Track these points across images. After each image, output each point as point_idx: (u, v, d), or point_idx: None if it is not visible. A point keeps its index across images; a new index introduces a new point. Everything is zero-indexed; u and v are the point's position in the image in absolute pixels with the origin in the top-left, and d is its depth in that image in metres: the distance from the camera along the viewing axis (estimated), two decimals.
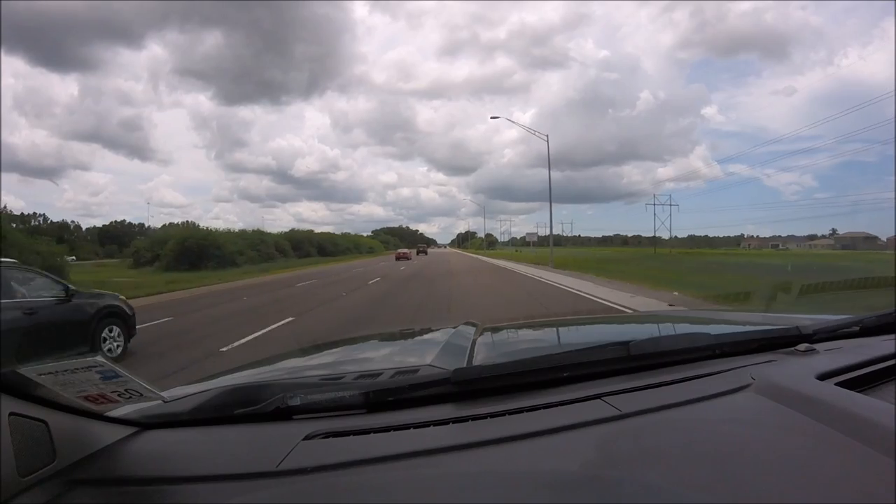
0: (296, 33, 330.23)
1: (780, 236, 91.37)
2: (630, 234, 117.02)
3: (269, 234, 42.90)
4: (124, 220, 41.79)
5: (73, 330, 5.23)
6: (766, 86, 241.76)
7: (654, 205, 74.58)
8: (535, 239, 58.44)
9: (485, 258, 42.32)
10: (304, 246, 38.61)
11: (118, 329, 5.70)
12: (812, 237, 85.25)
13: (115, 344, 5.63)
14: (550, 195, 26.52)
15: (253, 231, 41.74)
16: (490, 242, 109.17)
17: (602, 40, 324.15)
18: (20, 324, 4.59)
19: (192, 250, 29.22)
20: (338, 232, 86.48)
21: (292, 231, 50.96)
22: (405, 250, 50.39)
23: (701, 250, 66.39)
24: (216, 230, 35.94)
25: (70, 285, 5.58)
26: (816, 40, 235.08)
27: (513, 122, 29.54)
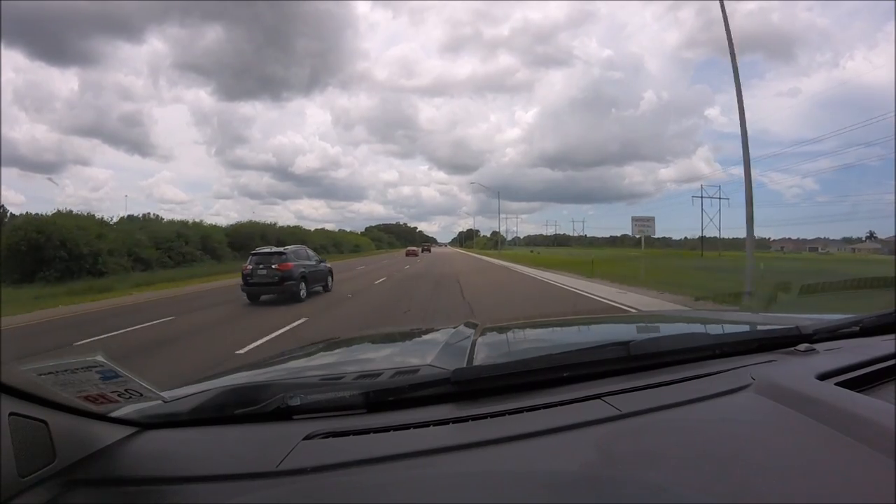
0: (297, 28, 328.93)
1: (819, 239, 79.66)
2: (640, 235, 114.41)
3: (202, 225, 30.61)
4: (71, 211, 22.75)
5: (323, 276, 12.44)
6: (769, 88, 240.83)
7: (702, 197, 57.15)
8: (652, 231, 20.34)
9: (514, 265, 25.33)
10: (252, 243, 24.17)
11: (331, 278, 12.94)
12: (848, 240, 76.61)
13: (331, 284, 12.84)
14: (741, 111, 9.80)
15: (187, 223, 29.52)
16: (496, 242, 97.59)
17: (606, 38, 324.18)
18: (312, 269, 11.64)
19: (23, 252, 17.26)
20: (336, 229, 72.04)
21: (240, 224, 37.23)
22: (415, 248, 58.22)
23: (735, 253, 50.51)
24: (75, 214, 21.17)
25: (320, 256, 13.59)
26: (822, 42, 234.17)
27: None
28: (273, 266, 10.52)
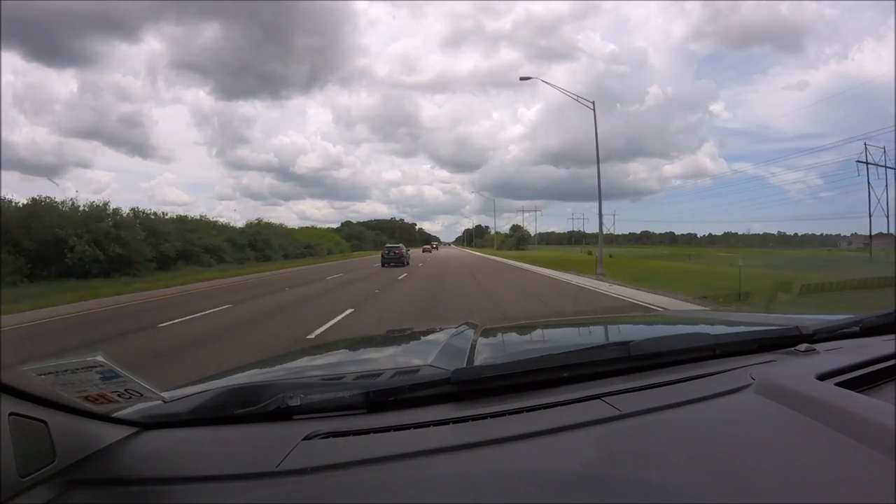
0: (295, 24, 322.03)
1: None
2: (659, 231, 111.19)
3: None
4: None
5: (408, 257, 27.04)
6: (775, 82, 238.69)
7: (867, 164, 37.14)
8: None
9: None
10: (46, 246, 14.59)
11: (409, 257, 27.23)
12: None
13: (409, 261, 26.21)
14: None
15: None
16: (520, 238, 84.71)
17: (611, 32, 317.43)
18: (406, 253, 26.63)
19: None
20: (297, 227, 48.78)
21: (77, 211, 17.83)
22: (429, 246, 66.17)
23: (807, 251, 42.72)
24: None
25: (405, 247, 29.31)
26: (831, 33, 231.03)
27: None
28: (395, 252, 24.74)
